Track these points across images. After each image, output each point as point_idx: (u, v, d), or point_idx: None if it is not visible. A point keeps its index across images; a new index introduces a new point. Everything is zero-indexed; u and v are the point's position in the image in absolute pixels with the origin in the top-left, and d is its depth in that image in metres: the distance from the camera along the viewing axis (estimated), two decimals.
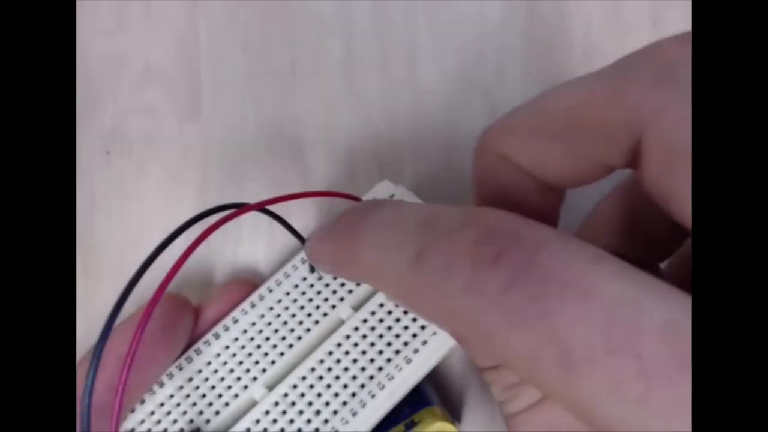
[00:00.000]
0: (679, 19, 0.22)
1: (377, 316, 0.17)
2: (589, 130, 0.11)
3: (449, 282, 0.10)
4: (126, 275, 0.19)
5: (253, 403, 0.16)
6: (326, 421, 0.16)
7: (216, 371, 0.17)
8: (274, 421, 0.16)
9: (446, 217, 0.11)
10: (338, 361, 0.16)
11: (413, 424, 0.18)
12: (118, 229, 0.22)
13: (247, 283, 0.18)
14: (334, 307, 0.17)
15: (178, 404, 0.17)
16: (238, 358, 0.17)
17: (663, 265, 0.17)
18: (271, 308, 0.17)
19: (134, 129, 0.23)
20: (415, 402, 0.19)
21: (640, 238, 0.16)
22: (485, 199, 0.14)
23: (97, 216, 0.22)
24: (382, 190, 0.19)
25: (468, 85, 0.22)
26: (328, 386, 0.16)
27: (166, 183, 0.22)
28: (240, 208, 0.14)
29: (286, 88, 0.23)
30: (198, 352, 0.17)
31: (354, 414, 0.16)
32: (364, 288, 0.17)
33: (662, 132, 0.10)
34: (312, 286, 0.18)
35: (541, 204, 0.14)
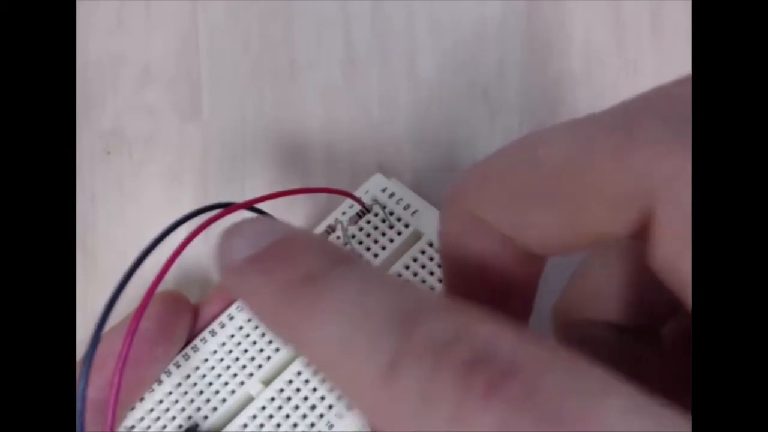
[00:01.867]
0: (679, 20, 0.22)
1: None
2: (588, 193, 0.10)
3: (430, 412, 0.08)
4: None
5: (250, 399, 0.17)
6: (322, 416, 0.16)
7: (213, 368, 0.17)
8: (270, 416, 0.16)
9: (430, 319, 0.09)
10: None
11: None
12: (118, 228, 0.22)
13: None
14: None
15: (176, 401, 0.17)
16: (234, 355, 0.17)
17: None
18: None
19: (134, 129, 0.23)
20: None
21: (640, 307, 0.13)
22: (455, 271, 0.12)
23: (97, 216, 0.22)
24: (374, 183, 0.19)
25: (467, 85, 0.22)
26: (324, 380, 0.16)
27: (167, 183, 0.22)
28: (226, 209, 0.14)
29: (286, 88, 0.23)
30: (195, 349, 0.17)
31: (350, 408, 0.16)
32: None
33: (680, 206, 0.08)
34: None
35: (520, 274, 0.12)
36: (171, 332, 0.17)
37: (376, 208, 0.18)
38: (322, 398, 0.16)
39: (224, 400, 0.17)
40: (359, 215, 0.18)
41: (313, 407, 0.16)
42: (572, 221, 0.10)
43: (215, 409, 0.17)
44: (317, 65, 0.23)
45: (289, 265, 0.10)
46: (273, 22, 0.23)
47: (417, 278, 0.17)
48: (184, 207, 0.22)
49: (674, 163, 0.08)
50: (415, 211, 0.18)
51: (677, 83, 0.09)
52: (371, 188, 0.19)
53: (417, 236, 0.18)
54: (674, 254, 0.09)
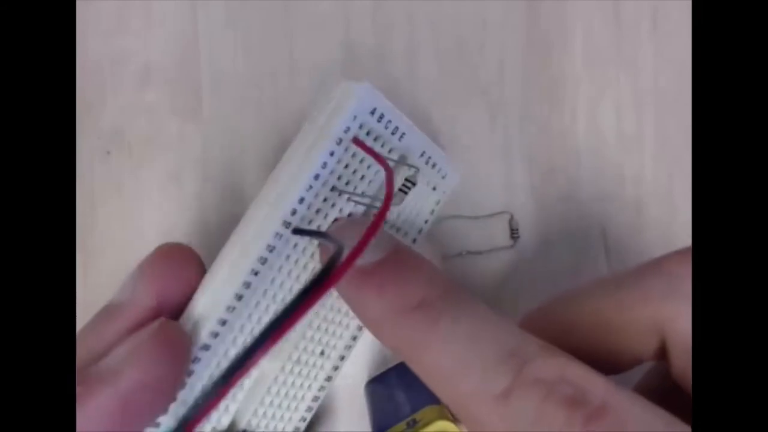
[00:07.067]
0: (678, 19, 0.23)
1: None
2: (619, 328, 0.13)
3: None
4: (126, 275, 0.19)
5: (262, 376, 0.17)
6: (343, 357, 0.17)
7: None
8: (291, 383, 0.17)
9: (536, 357, 0.11)
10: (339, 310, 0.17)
11: (415, 422, 0.18)
12: (118, 228, 0.22)
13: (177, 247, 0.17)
14: None
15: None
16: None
17: None
18: (273, 279, 0.16)
19: (134, 129, 0.23)
20: (417, 400, 0.19)
21: None
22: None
23: (97, 215, 0.22)
24: (363, 102, 0.16)
25: (468, 84, 0.23)
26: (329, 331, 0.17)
27: (166, 182, 0.23)
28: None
29: (286, 87, 0.23)
30: (214, 335, 0.16)
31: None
32: None
33: (678, 336, 0.12)
34: (304, 250, 0.16)
35: None
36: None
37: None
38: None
39: (241, 386, 0.17)
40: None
41: (321, 353, 0.17)
42: (608, 350, 0.14)
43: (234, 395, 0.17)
44: (317, 65, 0.23)
45: (403, 290, 0.13)
46: (273, 22, 0.23)
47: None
48: (183, 207, 0.22)
49: (670, 310, 0.13)
50: (402, 135, 0.16)
51: (664, 259, 0.13)
52: (359, 109, 0.16)
53: (404, 160, 0.17)
54: (682, 366, 0.12)
